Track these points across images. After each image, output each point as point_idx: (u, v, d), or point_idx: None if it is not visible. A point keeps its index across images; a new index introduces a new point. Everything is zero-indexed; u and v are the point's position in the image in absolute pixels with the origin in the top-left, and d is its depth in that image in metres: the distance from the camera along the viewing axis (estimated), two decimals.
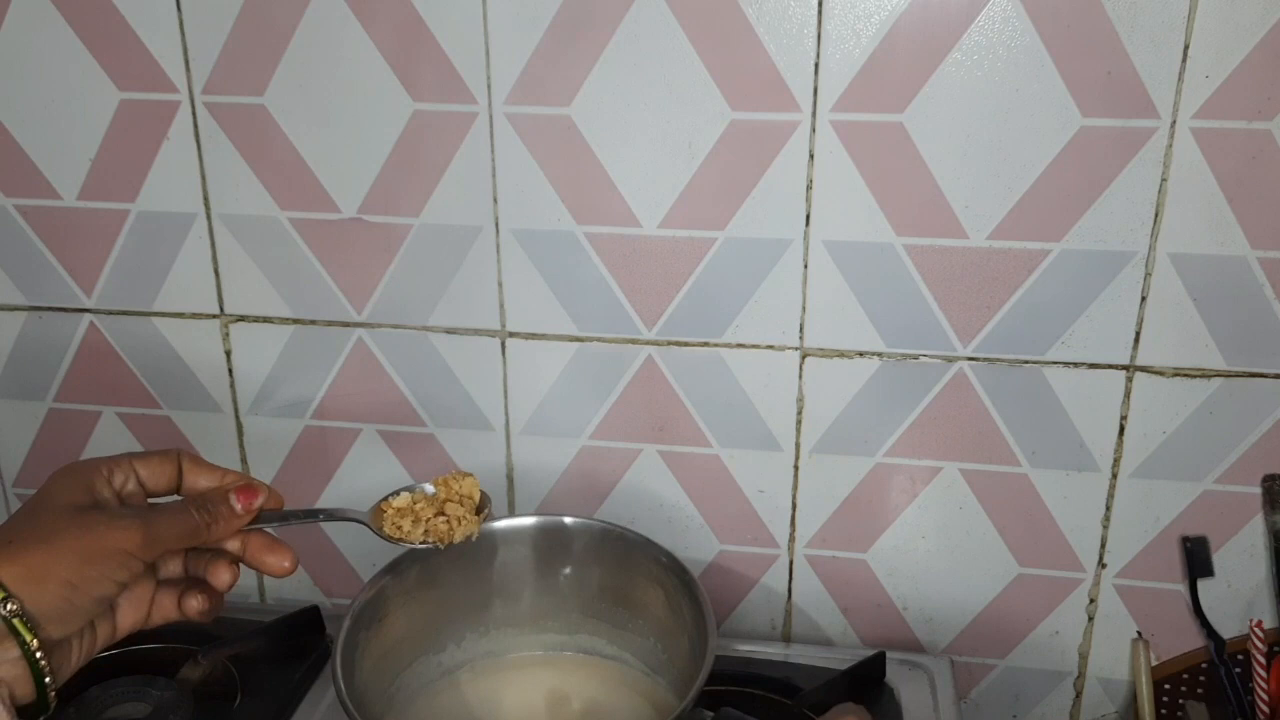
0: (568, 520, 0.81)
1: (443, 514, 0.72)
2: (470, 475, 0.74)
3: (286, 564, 0.64)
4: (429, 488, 0.73)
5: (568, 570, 0.82)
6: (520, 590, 0.82)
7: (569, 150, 0.84)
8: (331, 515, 0.70)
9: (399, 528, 0.71)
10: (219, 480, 0.64)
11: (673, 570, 0.77)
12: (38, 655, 0.53)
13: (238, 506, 0.62)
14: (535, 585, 0.82)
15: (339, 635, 0.71)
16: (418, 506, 0.72)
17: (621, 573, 0.80)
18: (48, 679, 0.54)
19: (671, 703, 0.77)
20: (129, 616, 0.61)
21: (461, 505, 0.73)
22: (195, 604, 0.62)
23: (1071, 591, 0.90)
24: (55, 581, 0.54)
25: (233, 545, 0.63)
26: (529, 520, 0.81)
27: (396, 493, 0.73)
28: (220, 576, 0.63)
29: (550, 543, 0.81)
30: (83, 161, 0.90)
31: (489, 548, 0.81)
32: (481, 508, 0.74)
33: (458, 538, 0.72)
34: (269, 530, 0.65)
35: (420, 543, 0.71)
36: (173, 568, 0.64)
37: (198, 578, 0.64)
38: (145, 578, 0.61)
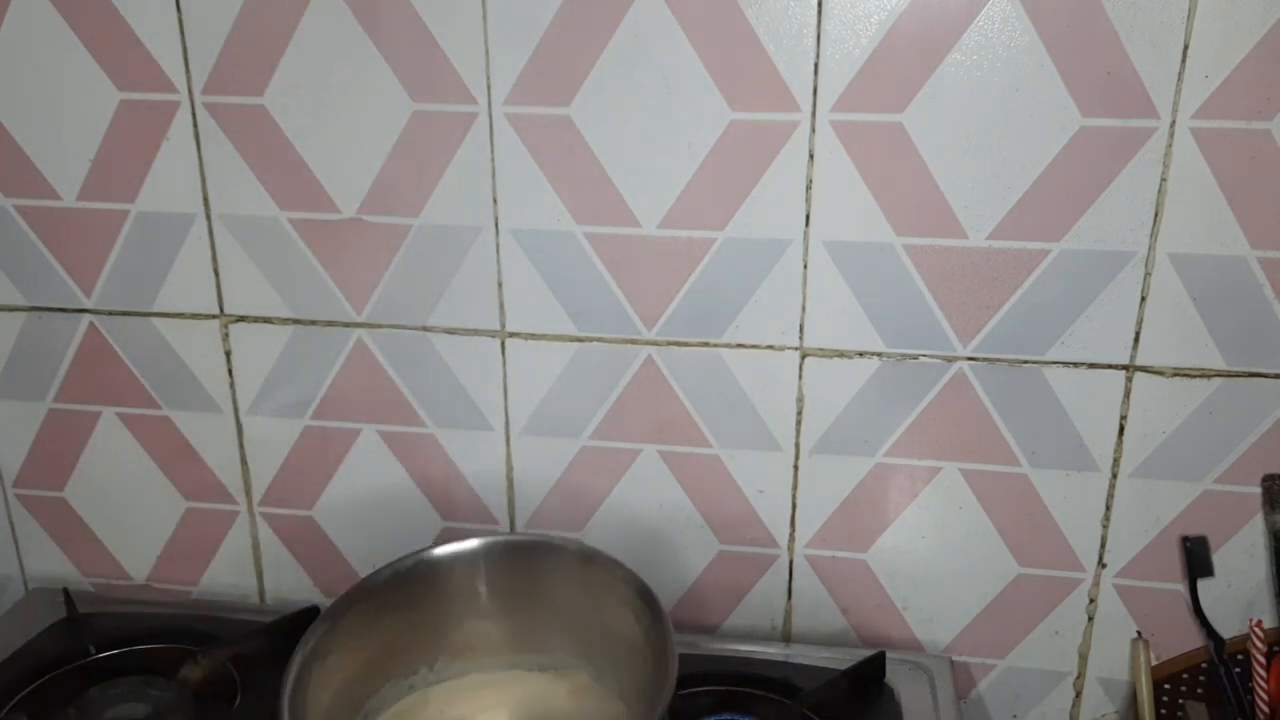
0: (515, 538, 0.81)
1: None
2: None
3: None
4: None
5: (529, 589, 0.81)
6: (485, 612, 0.81)
7: (569, 150, 0.84)
8: None
9: None
10: None
11: (632, 585, 0.75)
12: None
13: None
14: (498, 606, 0.81)
15: (287, 677, 0.69)
16: None
17: (582, 590, 0.79)
18: None
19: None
20: None
21: None
22: None
23: (1071, 591, 0.90)
24: None
25: None
26: (474, 544, 0.80)
27: None
28: None
29: (504, 563, 0.80)
30: (82, 162, 0.90)
31: (440, 575, 0.80)
32: None
33: None
34: None
35: None
36: None
37: None
38: None
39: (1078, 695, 0.93)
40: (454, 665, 0.82)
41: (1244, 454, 0.84)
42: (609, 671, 0.79)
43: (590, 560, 0.79)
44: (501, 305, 0.89)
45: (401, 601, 0.79)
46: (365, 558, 1.00)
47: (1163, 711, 0.91)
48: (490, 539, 0.81)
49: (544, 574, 0.81)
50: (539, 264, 0.87)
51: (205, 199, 0.90)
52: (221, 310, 0.93)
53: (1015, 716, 0.95)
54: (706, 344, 0.88)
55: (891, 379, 0.86)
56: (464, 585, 0.81)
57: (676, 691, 0.66)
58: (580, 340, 0.89)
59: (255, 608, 1.01)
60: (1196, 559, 0.86)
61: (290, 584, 1.01)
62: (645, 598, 0.74)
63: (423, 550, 0.80)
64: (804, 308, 0.85)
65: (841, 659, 0.89)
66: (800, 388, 0.88)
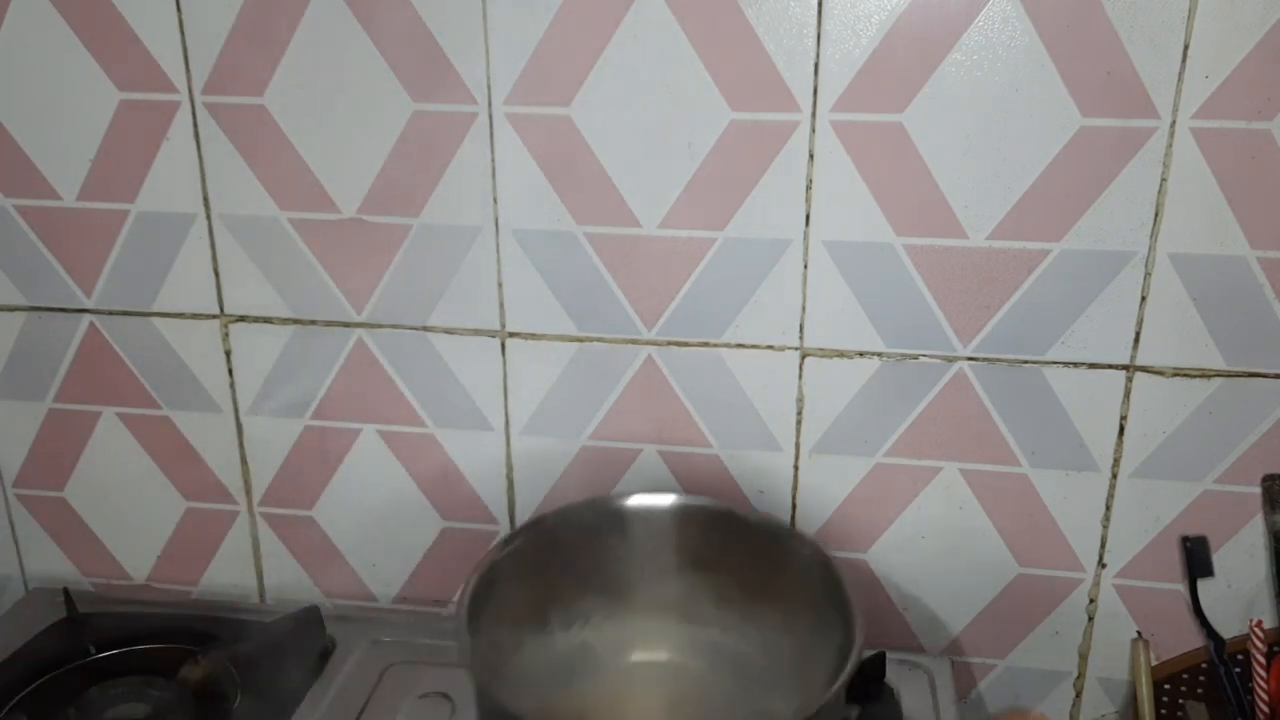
0: (709, 503, 0.81)
1: None
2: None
3: None
4: None
5: (705, 555, 0.81)
6: (654, 574, 0.81)
7: (569, 150, 0.84)
8: None
9: None
10: None
11: (818, 563, 0.75)
12: None
13: None
14: (669, 568, 0.81)
15: (465, 590, 0.71)
16: None
17: (762, 562, 0.79)
18: None
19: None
20: None
21: None
22: None
23: (1071, 591, 0.90)
24: None
25: None
26: (667, 500, 0.81)
27: None
28: None
29: (689, 525, 0.81)
30: (82, 162, 0.90)
31: (622, 526, 0.81)
32: None
33: None
34: None
35: None
36: None
37: None
38: None
39: (1078, 695, 0.93)
40: (606, 627, 0.81)
41: (1244, 454, 0.84)
42: (779, 650, 0.78)
43: (772, 534, 0.79)
44: (501, 305, 0.89)
45: (583, 538, 0.80)
46: (365, 558, 1.00)
47: (1163, 711, 0.91)
48: (685, 499, 0.82)
49: (731, 542, 0.80)
50: (539, 264, 0.87)
51: (205, 199, 0.90)
52: (222, 310, 0.93)
53: None
54: (706, 344, 0.88)
55: (892, 379, 0.86)
56: (651, 538, 0.81)
57: None
58: (580, 340, 0.89)
59: (255, 608, 1.01)
60: (1196, 559, 0.86)
61: (290, 584, 1.02)
62: (830, 578, 0.74)
63: (617, 495, 0.83)
64: (804, 308, 0.85)
65: None
66: (800, 388, 0.88)
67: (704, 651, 0.81)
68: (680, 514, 0.82)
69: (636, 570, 0.81)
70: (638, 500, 0.82)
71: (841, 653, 0.68)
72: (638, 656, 0.82)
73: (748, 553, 0.80)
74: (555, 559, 0.79)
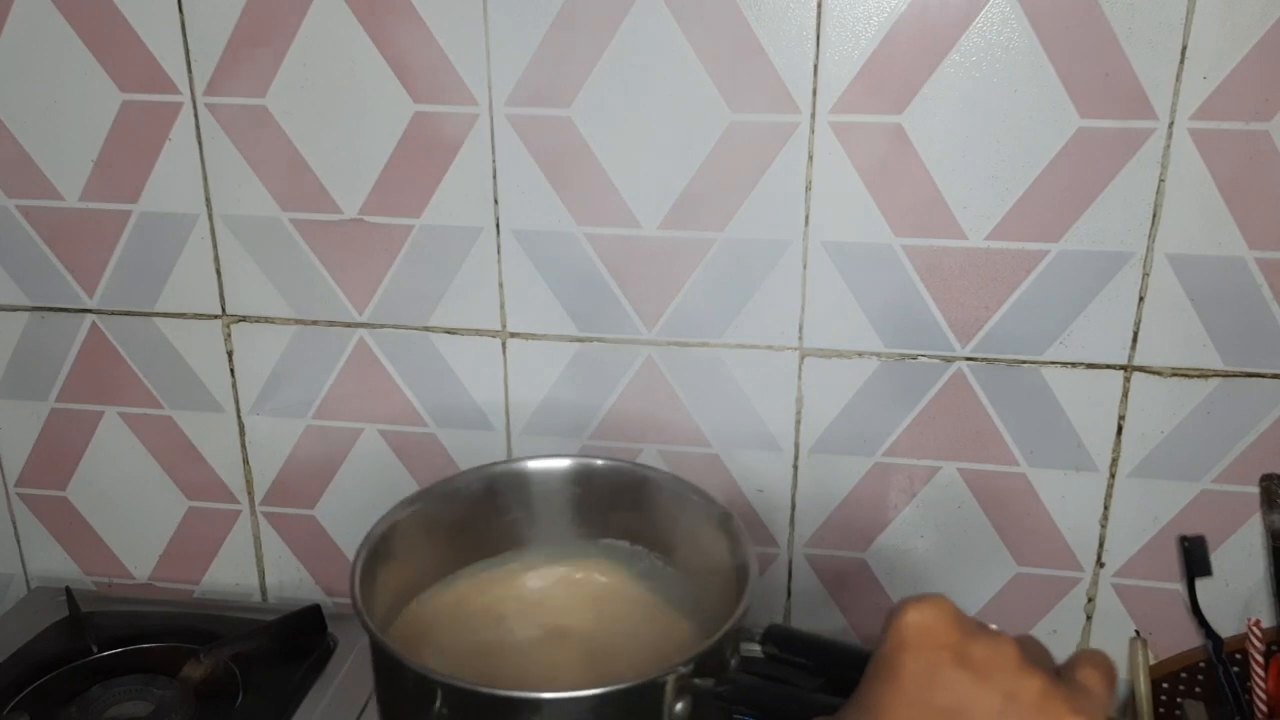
0: (597, 462, 0.81)
1: None
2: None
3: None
4: None
5: (592, 511, 0.81)
6: (541, 529, 0.81)
7: (569, 150, 0.84)
8: None
9: None
10: None
11: (710, 511, 0.75)
12: None
13: None
14: (558, 525, 0.81)
15: (356, 563, 0.73)
16: None
17: (652, 514, 0.79)
18: None
19: (691, 636, 0.74)
20: None
21: None
22: None
23: (1070, 591, 0.90)
24: None
25: None
26: (562, 463, 0.81)
27: None
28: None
29: (577, 484, 0.81)
30: (85, 162, 0.90)
31: (512, 487, 0.81)
32: None
33: None
34: None
35: None
36: None
37: None
38: None
39: None
40: (520, 566, 0.81)
41: (1242, 454, 0.84)
42: (675, 590, 0.78)
43: (658, 487, 0.79)
44: (502, 305, 0.89)
45: (479, 503, 0.80)
46: None
47: (1161, 711, 0.91)
48: (581, 459, 0.82)
49: (629, 498, 0.80)
50: (539, 264, 0.88)
51: (207, 199, 0.90)
52: (224, 310, 0.94)
53: None
54: (706, 344, 0.88)
55: (890, 379, 0.86)
56: (548, 496, 0.81)
57: None
58: (580, 340, 0.89)
59: (257, 606, 1.02)
60: (1195, 558, 0.86)
61: (292, 583, 1.02)
62: (726, 525, 0.74)
63: (512, 460, 0.83)
64: (803, 308, 0.86)
65: None
66: (799, 387, 0.88)
67: (602, 601, 0.81)
68: (576, 473, 0.81)
69: (535, 527, 0.81)
70: (535, 463, 0.81)
71: (738, 591, 0.68)
72: (537, 611, 0.81)
73: (645, 508, 0.79)
74: (451, 519, 0.79)
